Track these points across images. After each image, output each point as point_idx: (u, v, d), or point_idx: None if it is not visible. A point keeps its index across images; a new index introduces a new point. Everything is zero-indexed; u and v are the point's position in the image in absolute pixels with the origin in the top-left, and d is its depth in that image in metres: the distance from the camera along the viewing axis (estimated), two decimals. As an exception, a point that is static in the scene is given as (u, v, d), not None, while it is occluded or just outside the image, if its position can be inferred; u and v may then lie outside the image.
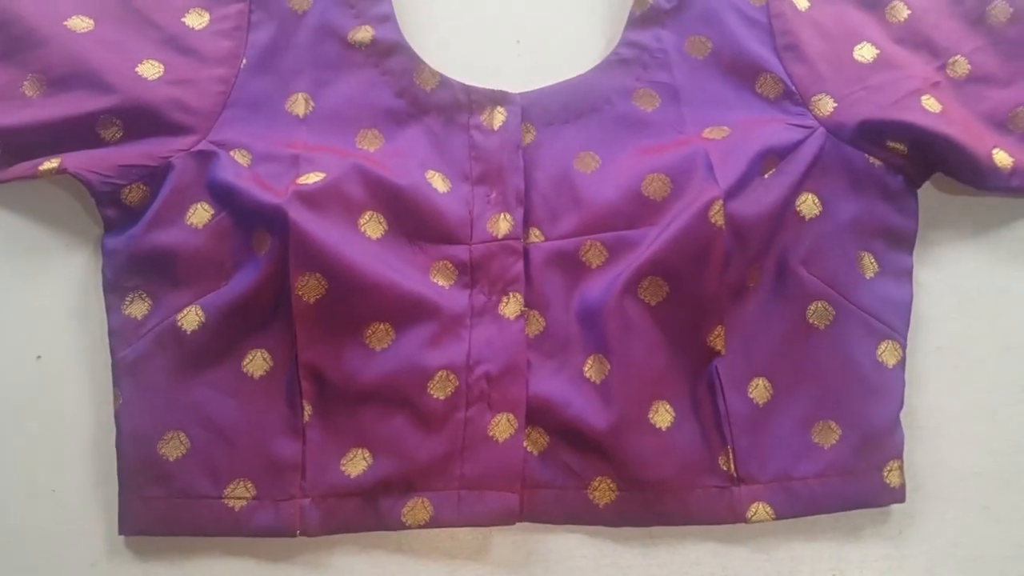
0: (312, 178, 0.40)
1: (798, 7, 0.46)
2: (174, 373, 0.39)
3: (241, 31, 0.44)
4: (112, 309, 0.40)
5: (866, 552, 0.42)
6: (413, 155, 0.43)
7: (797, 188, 0.43)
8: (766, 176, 0.42)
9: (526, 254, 0.42)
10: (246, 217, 0.40)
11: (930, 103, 0.44)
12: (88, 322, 0.41)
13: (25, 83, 0.42)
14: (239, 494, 0.39)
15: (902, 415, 0.42)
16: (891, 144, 0.44)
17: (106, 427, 0.40)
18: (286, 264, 0.38)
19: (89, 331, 0.41)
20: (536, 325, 0.42)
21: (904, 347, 0.43)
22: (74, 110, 0.41)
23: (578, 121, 0.44)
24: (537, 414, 0.40)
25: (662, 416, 0.40)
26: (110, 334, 0.40)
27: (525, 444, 0.40)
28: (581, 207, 0.42)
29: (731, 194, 0.41)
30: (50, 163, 0.41)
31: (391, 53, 0.45)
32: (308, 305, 0.38)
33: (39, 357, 0.41)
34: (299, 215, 0.38)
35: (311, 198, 0.39)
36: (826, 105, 0.44)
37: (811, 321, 0.42)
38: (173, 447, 0.39)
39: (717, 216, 0.40)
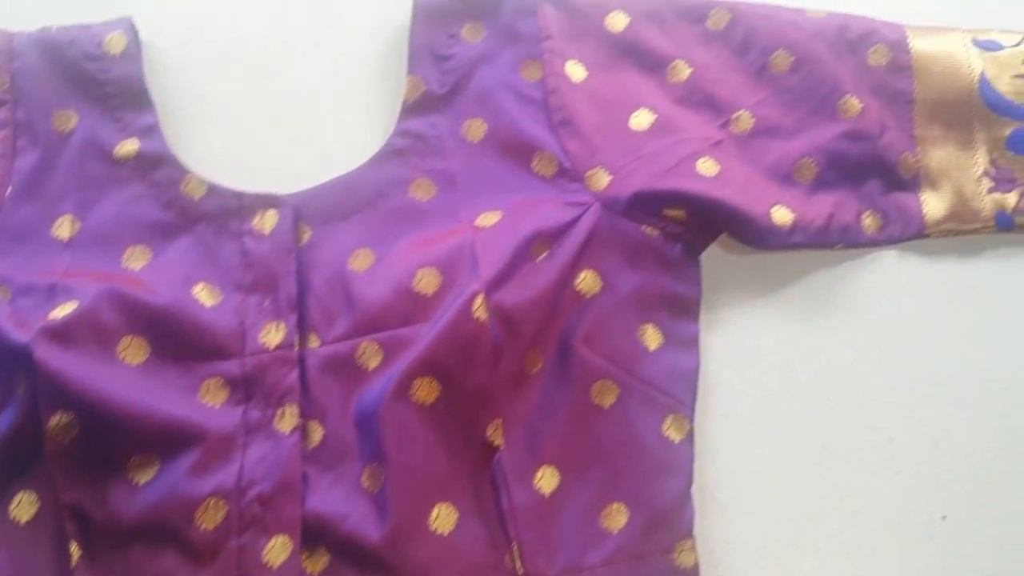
0: (64, 310, 0.40)
1: (573, 80, 0.47)
2: (-65, 528, 0.40)
3: (6, 159, 0.45)
4: None
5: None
6: (180, 269, 0.44)
7: (573, 267, 0.44)
8: (538, 260, 0.43)
9: (303, 362, 0.43)
10: (2, 357, 0.40)
11: (706, 166, 0.46)
12: None
13: None
14: None
15: (694, 490, 0.43)
16: (668, 212, 0.45)
17: None
18: (37, 403, 0.39)
19: None
20: (315, 436, 0.42)
21: (691, 419, 0.44)
22: None
23: (353, 217, 0.45)
24: (315, 532, 0.41)
25: (444, 519, 0.41)
26: None
27: (306, 566, 0.40)
28: (355, 307, 0.43)
29: (496, 284, 0.42)
30: None
31: (157, 165, 0.45)
32: (63, 445, 0.39)
33: None
34: (45, 353, 0.39)
35: (60, 332, 0.39)
36: (601, 179, 0.45)
37: (595, 401, 0.43)
38: (-59, 605, 0.40)
39: (480, 310, 0.41)
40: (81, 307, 0.40)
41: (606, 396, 0.43)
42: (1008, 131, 0.49)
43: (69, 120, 0.45)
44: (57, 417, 0.39)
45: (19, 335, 0.39)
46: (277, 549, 0.40)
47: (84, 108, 0.46)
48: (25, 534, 0.40)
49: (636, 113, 0.47)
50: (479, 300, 0.41)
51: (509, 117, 0.47)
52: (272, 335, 0.42)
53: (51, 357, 0.39)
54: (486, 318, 0.41)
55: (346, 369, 0.43)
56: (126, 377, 0.40)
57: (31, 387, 0.39)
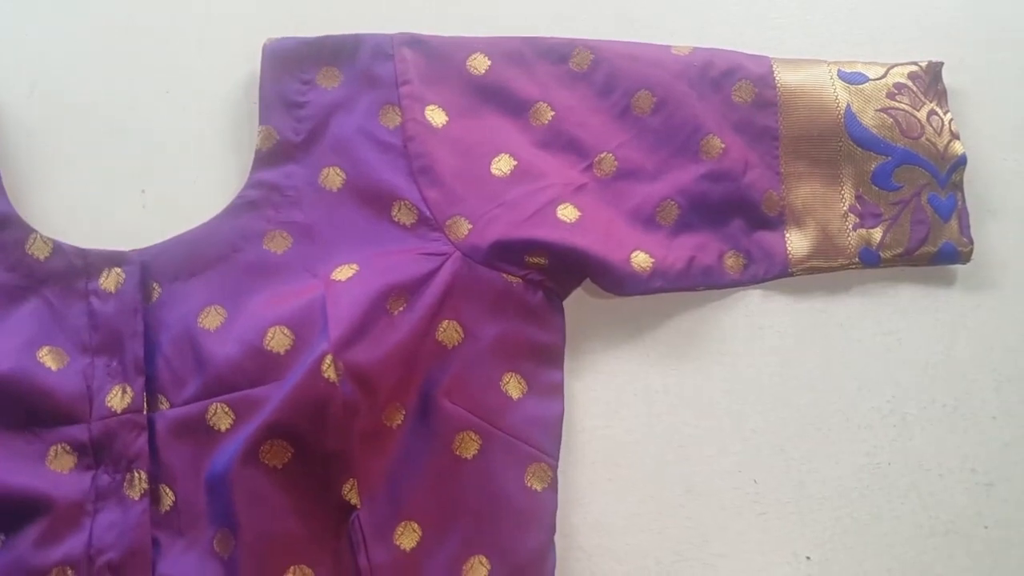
0: None
1: (433, 125, 0.49)
2: None
3: None
4: None
5: None
6: (24, 333, 0.44)
7: (433, 319, 0.45)
8: (395, 314, 0.45)
9: (152, 425, 0.43)
10: None
11: (567, 212, 0.48)
12: None
13: None
14: None
15: (558, 538, 0.45)
16: (529, 259, 0.47)
17: None
18: None
19: None
20: (166, 501, 0.43)
21: (554, 467, 0.46)
22: None
23: (205, 273, 0.46)
24: (166, 599, 0.42)
25: (299, 582, 0.43)
26: None
27: (150, 635, 0.42)
28: (205, 368, 0.44)
29: (348, 342, 0.43)
30: None
31: (2, 227, 0.45)
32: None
33: None
34: None
35: None
36: (461, 228, 0.47)
37: (457, 453, 0.45)
38: None
39: (329, 370, 0.42)
40: (-85, 377, 0.41)
41: (468, 447, 0.44)
42: (874, 165, 0.52)
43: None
44: None
45: None
46: (126, 617, 0.41)
47: (-79, 167, 0.47)
48: None
49: (497, 159, 0.48)
50: (327, 360, 0.42)
51: (367, 165, 0.48)
52: (119, 399, 0.43)
53: None
54: (336, 378, 0.42)
55: (196, 432, 0.43)
56: (-36, 450, 0.41)
57: None
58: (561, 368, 0.47)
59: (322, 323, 0.43)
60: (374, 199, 0.47)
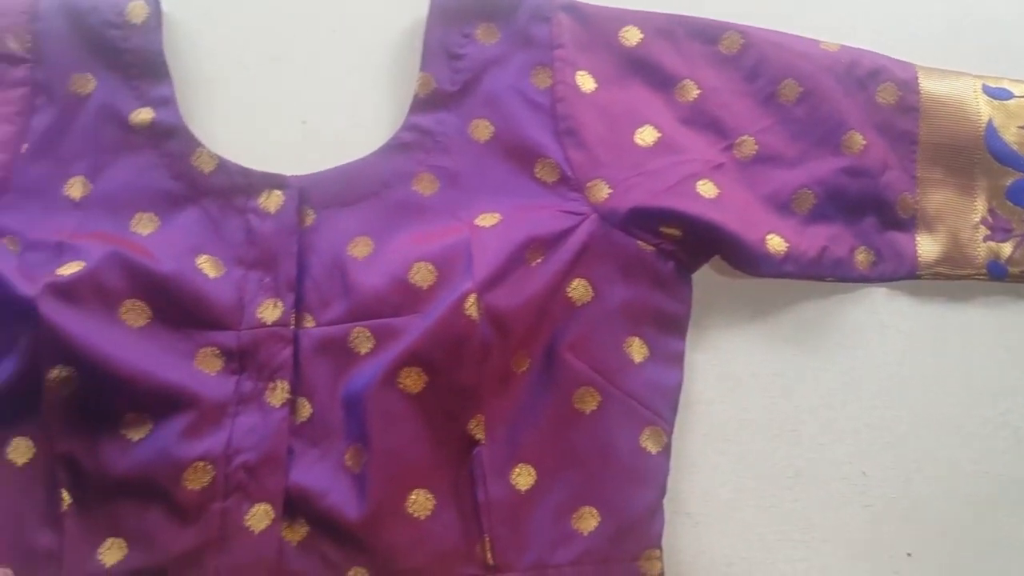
0: (71, 268, 0.45)
1: (582, 90, 0.52)
2: (-66, 463, 0.44)
3: (23, 116, 0.49)
4: None
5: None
6: (186, 239, 0.48)
7: (566, 275, 0.48)
8: (532, 265, 0.48)
9: (296, 340, 0.47)
10: (3, 306, 0.45)
11: (706, 188, 0.50)
12: None
13: None
14: None
15: (667, 502, 0.47)
16: (664, 229, 0.50)
17: None
18: (38, 356, 0.43)
19: None
20: (303, 412, 0.47)
21: (669, 433, 0.48)
22: None
23: (357, 205, 0.50)
24: (297, 504, 0.45)
25: (421, 504, 0.45)
26: None
27: (285, 534, 0.45)
28: (350, 293, 0.48)
29: (489, 285, 0.46)
30: None
31: (170, 136, 0.50)
32: (60, 398, 0.43)
33: None
34: (49, 308, 0.43)
35: (65, 289, 0.44)
36: (601, 191, 0.50)
37: (576, 407, 0.48)
38: (-68, 535, 0.44)
39: (472, 309, 0.45)
40: (87, 267, 0.44)
41: (587, 403, 0.48)
42: (1010, 181, 0.54)
43: (87, 84, 0.50)
44: (56, 370, 0.43)
45: (25, 288, 0.44)
46: (259, 516, 0.44)
47: (102, 74, 0.50)
48: (19, 476, 0.44)
49: (641, 129, 0.51)
50: (471, 299, 0.45)
51: (515, 121, 0.51)
52: (269, 311, 0.47)
53: (54, 312, 0.43)
54: (477, 317, 0.45)
55: (337, 352, 0.47)
56: (126, 338, 0.45)
57: (31, 340, 0.43)
58: (683, 339, 0.50)
59: (466, 264, 0.46)
60: (519, 154, 0.51)
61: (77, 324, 0.43)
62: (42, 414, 0.44)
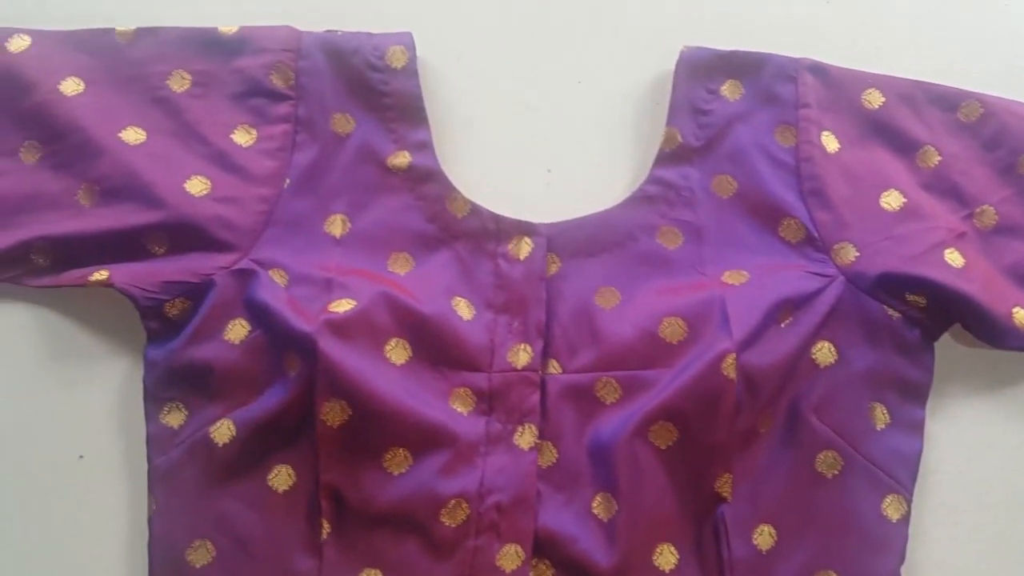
0: (343, 306, 0.47)
1: (827, 150, 0.53)
2: (204, 483, 0.47)
3: (285, 151, 0.52)
4: (150, 417, 0.48)
5: None
6: (440, 281, 0.51)
7: (813, 337, 0.49)
8: (782, 325, 0.49)
9: (543, 385, 0.49)
10: (278, 338, 0.48)
11: (953, 257, 0.51)
12: (129, 426, 0.49)
13: (80, 191, 0.50)
14: None
15: (903, 569, 0.48)
16: (910, 297, 0.50)
17: (140, 528, 0.47)
18: (313, 388, 0.46)
19: (129, 435, 0.49)
20: (548, 457, 0.48)
21: (909, 501, 0.49)
22: (124, 223, 0.49)
23: (601, 255, 0.52)
24: (544, 546, 0.47)
25: (666, 558, 0.47)
26: (148, 441, 0.48)
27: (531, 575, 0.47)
28: (599, 343, 0.49)
29: (745, 345, 0.47)
30: (99, 274, 0.49)
31: (426, 179, 0.52)
32: (332, 429, 0.46)
33: (81, 457, 0.49)
34: (328, 344, 0.46)
35: (340, 327, 0.46)
36: (848, 254, 0.51)
37: (819, 470, 0.49)
38: (200, 555, 0.46)
39: (729, 368, 0.46)
40: (359, 305, 0.47)
41: (830, 466, 0.48)
42: None
43: (347, 124, 0.53)
44: (330, 403, 0.45)
45: (300, 323, 0.46)
46: (510, 556, 0.46)
47: (361, 115, 0.53)
48: (280, 503, 0.47)
49: (887, 193, 0.52)
50: (730, 359, 0.46)
51: (760, 178, 0.52)
52: (520, 356, 0.49)
53: (332, 349, 0.45)
54: (734, 376, 0.46)
55: (583, 399, 0.49)
56: (390, 375, 0.47)
57: (306, 372, 0.46)
58: (924, 407, 0.50)
59: (721, 321, 0.48)
60: (763, 211, 0.52)
61: (350, 360, 0.46)
62: (304, 444, 0.47)
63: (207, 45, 0.53)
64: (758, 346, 0.48)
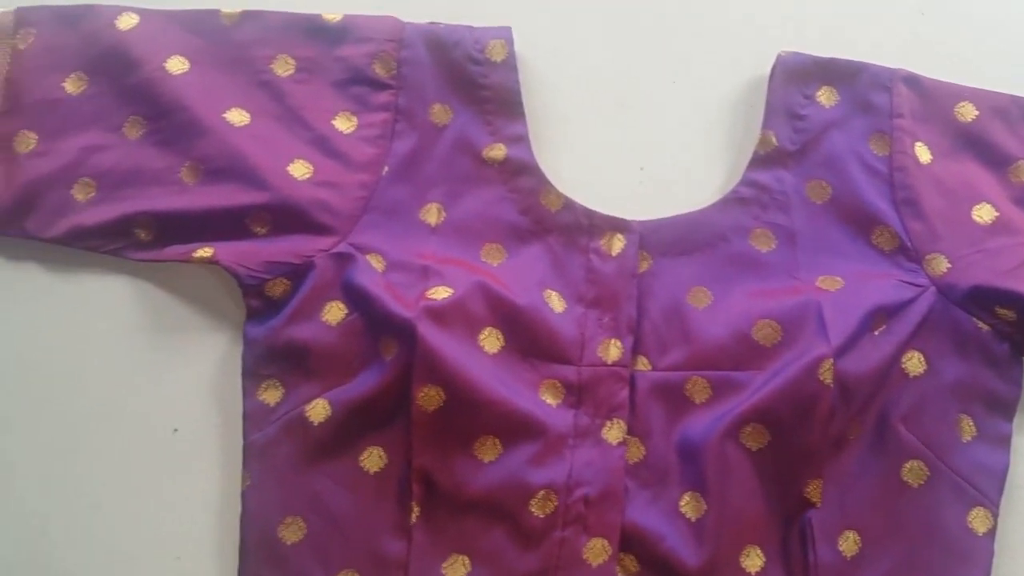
0: (440, 293, 0.48)
1: (920, 161, 0.53)
2: (298, 461, 0.48)
3: (385, 139, 0.53)
4: (248, 394, 0.49)
5: None
6: (533, 273, 0.51)
7: (905, 346, 0.50)
8: (876, 333, 0.49)
9: (632, 381, 0.50)
10: (376, 321, 0.48)
11: (1044, 273, 0.51)
12: (225, 402, 0.50)
13: (183, 169, 0.51)
14: None
15: (989, 585, 0.48)
16: (1000, 310, 0.51)
17: (232, 502, 0.48)
18: (409, 373, 0.47)
19: (225, 411, 0.50)
20: (636, 453, 0.49)
21: (996, 515, 0.49)
22: (228, 202, 0.51)
23: (693, 255, 0.52)
24: (630, 542, 0.48)
25: (753, 561, 0.47)
26: (244, 417, 0.49)
27: (617, 570, 0.47)
28: (690, 342, 0.50)
29: (841, 351, 0.48)
30: (204, 251, 0.50)
31: (521, 172, 0.53)
32: (427, 414, 0.47)
33: (176, 430, 0.50)
34: (426, 330, 0.46)
35: (438, 314, 0.47)
36: (940, 265, 0.51)
37: (905, 479, 0.49)
38: (292, 531, 0.47)
39: (826, 374, 0.47)
40: (456, 294, 0.48)
41: (916, 476, 0.49)
42: None
43: (446, 115, 0.53)
44: (427, 388, 0.46)
45: (400, 308, 0.47)
46: (596, 550, 0.47)
47: (460, 106, 0.54)
48: (371, 483, 0.48)
49: (979, 206, 0.52)
50: (827, 364, 0.47)
51: (854, 185, 0.53)
52: (610, 351, 0.50)
53: (430, 335, 0.46)
54: (830, 382, 0.47)
55: (673, 397, 0.49)
56: (483, 363, 0.48)
57: (403, 356, 0.47)
58: (1011, 421, 0.51)
59: (817, 327, 0.48)
60: (856, 218, 0.52)
61: (447, 347, 0.47)
62: (396, 427, 0.48)
63: (311, 31, 0.54)
64: (853, 353, 0.48)
